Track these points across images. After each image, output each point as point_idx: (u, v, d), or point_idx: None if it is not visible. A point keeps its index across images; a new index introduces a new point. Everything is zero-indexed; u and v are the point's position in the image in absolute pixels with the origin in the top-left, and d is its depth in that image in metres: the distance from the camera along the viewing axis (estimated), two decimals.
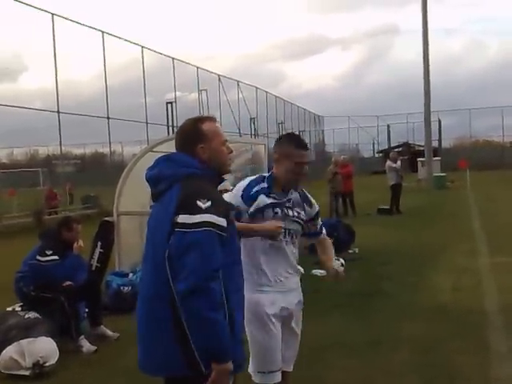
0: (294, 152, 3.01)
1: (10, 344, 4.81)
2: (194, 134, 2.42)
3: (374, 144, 56.99)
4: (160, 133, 22.98)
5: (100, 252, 6.25)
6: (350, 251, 9.49)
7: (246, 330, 2.89)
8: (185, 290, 2.07)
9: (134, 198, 7.50)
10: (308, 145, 3.27)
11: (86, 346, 5.32)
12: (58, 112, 18.69)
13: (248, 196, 2.97)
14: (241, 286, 2.41)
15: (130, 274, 7.07)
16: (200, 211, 2.17)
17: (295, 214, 3.05)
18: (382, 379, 4.41)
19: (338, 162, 16.76)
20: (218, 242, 2.18)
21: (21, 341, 4.81)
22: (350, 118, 55.83)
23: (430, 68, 29.90)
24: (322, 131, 56.62)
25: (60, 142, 19.47)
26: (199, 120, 2.46)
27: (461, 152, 46.50)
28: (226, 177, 2.55)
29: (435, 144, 41.54)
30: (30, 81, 41.04)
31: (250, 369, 2.97)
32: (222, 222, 2.22)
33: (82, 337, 5.38)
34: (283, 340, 3.03)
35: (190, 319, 2.10)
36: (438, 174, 29.41)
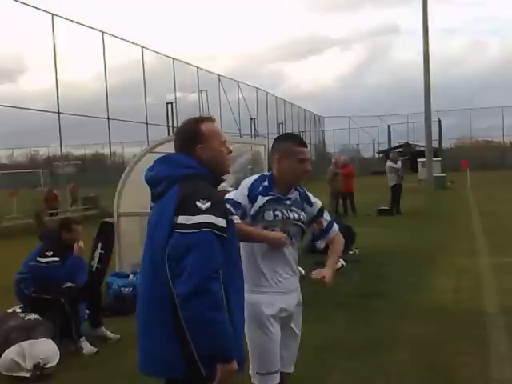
0: (296, 149, 3.01)
1: (10, 346, 4.80)
2: (192, 135, 2.41)
3: (374, 144, 57.06)
4: (160, 133, 23.01)
5: (100, 253, 6.24)
6: (351, 252, 9.48)
7: (245, 331, 2.89)
8: (186, 292, 2.06)
9: (134, 198, 7.50)
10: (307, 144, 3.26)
11: (87, 347, 5.31)
12: (59, 113, 18.70)
13: (253, 195, 2.97)
14: (240, 287, 2.41)
15: (131, 275, 7.07)
16: (199, 212, 2.16)
17: (295, 216, 3.04)
18: (382, 380, 4.41)
19: (338, 162, 16.78)
20: (218, 242, 2.18)
21: (21, 342, 4.80)
22: (351, 118, 55.89)
23: (430, 68, 29.97)
24: (323, 132, 56.67)
25: (60, 142, 19.47)
26: (198, 120, 2.46)
27: (461, 152, 46.48)
28: (225, 177, 2.55)
29: (435, 144, 41.53)
30: (30, 81, 41.03)
31: (250, 371, 2.96)
32: (222, 222, 2.21)
33: (83, 338, 5.38)
34: (283, 341, 3.02)
35: (192, 321, 2.08)
36: (439, 174, 29.42)
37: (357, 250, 9.74)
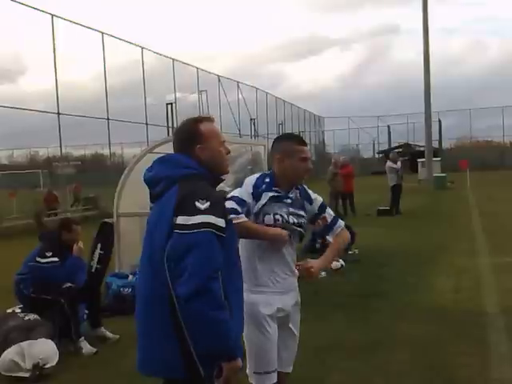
0: (297, 148, 3.03)
1: (9, 346, 4.80)
2: (191, 135, 2.41)
3: (374, 145, 57.08)
4: (160, 134, 23.03)
5: (100, 253, 6.23)
6: (350, 252, 9.47)
7: None
8: (187, 293, 2.05)
9: (133, 199, 7.50)
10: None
11: (86, 347, 5.31)
12: (58, 113, 18.71)
13: (257, 192, 2.98)
14: (240, 287, 2.40)
15: (130, 276, 7.08)
16: (199, 212, 2.15)
17: (295, 221, 3.03)
18: (382, 380, 4.40)
19: (338, 162, 16.80)
20: (218, 242, 2.17)
21: (21, 343, 4.81)
22: (350, 118, 55.91)
23: (431, 68, 29.99)
24: (323, 132, 56.71)
25: (60, 143, 19.49)
26: (197, 120, 2.45)
27: (461, 152, 46.50)
28: (224, 177, 2.55)
29: (435, 144, 41.56)
30: (30, 82, 41.03)
31: (247, 370, 2.96)
32: (221, 222, 2.20)
33: (82, 338, 5.38)
34: (281, 341, 3.02)
35: (195, 321, 2.07)
36: (439, 174, 29.43)
37: (356, 250, 9.73)
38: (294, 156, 3.01)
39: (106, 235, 6.51)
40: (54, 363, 4.77)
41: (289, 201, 3.04)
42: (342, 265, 8.52)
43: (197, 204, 2.16)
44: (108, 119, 21.35)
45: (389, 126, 54.74)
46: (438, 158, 35.04)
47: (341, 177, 16.09)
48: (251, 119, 34.97)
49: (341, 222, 3.27)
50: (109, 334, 5.66)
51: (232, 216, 2.75)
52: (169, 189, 2.28)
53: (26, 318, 5.21)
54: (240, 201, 2.93)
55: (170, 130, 23.40)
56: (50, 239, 5.72)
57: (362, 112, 63.62)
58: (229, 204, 2.86)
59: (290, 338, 3.10)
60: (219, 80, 31.84)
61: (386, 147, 53.22)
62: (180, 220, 2.15)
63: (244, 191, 2.99)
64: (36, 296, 5.46)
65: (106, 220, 6.94)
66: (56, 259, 5.49)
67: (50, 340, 4.97)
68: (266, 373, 2.93)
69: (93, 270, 6.06)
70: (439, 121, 47.74)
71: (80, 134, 21.98)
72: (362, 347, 5.11)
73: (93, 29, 21.10)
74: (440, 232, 12.34)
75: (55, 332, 5.25)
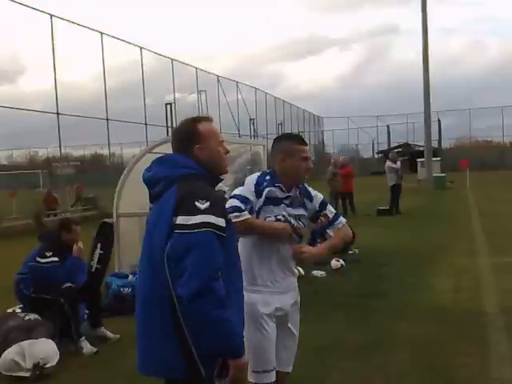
0: (297, 148, 3.05)
1: (10, 346, 4.80)
2: (190, 134, 2.40)
3: (373, 144, 57.09)
4: (159, 134, 23.03)
5: (100, 253, 6.24)
6: (350, 252, 9.48)
7: None
8: (189, 294, 2.04)
9: (133, 199, 7.50)
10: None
11: (87, 347, 5.32)
12: (58, 114, 18.70)
13: (259, 190, 2.99)
14: (240, 287, 2.40)
15: (130, 276, 7.08)
16: (199, 212, 2.15)
17: (295, 223, 3.04)
18: (382, 380, 4.41)
19: (338, 162, 16.80)
20: (218, 242, 2.17)
21: (21, 342, 4.81)
22: (350, 118, 55.92)
23: (430, 68, 30.00)
24: (322, 132, 56.72)
25: (59, 143, 19.49)
26: (196, 120, 2.45)
27: (461, 152, 46.49)
28: (223, 177, 2.55)
29: (435, 144, 41.56)
30: (29, 82, 40.99)
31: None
32: (221, 222, 2.20)
33: (83, 338, 5.39)
34: (281, 341, 3.03)
35: (198, 321, 2.06)
36: (438, 174, 29.42)
37: (356, 250, 9.74)
38: (294, 156, 3.02)
39: (106, 235, 6.52)
40: (54, 363, 4.77)
41: (287, 202, 3.05)
42: (341, 265, 8.53)
43: (197, 204, 2.16)
44: (107, 119, 21.34)
45: (388, 126, 54.75)
46: (438, 158, 35.04)
47: (340, 177, 16.09)
48: (250, 119, 34.97)
49: (342, 219, 3.26)
50: (109, 334, 5.66)
51: (235, 214, 2.76)
52: (168, 189, 2.27)
53: (27, 317, 5.21)
54: (243, 199, 2.94)
55: (170, 130, 23.40)
56: (50, 239, 5.72)
57: (361, 112, 63.81)
58: (232, 202, 2.88)
59: (289, 337, 3.11)
60: (218, 80, 31.84)
61: (385, 147, 53.22)
62: (180, 220, 2.15)
63: (246, 189, 3.01)
64: (36, 296, 5.46)
65: (106, 220, 6.94)
66: (56, 259, 5.49)
67: (50, 340, 4.97)
68: (264, 371, 2.94)
69: (93, 270, 6.06)
70: (439, 121, 47.76)
71: (79, 134, 21.95)
72: (362, 347, 5.11)
73: (92, 29, 21.12)
74: (440, 232, 12.34)
75: (55, 332, 5.25)
